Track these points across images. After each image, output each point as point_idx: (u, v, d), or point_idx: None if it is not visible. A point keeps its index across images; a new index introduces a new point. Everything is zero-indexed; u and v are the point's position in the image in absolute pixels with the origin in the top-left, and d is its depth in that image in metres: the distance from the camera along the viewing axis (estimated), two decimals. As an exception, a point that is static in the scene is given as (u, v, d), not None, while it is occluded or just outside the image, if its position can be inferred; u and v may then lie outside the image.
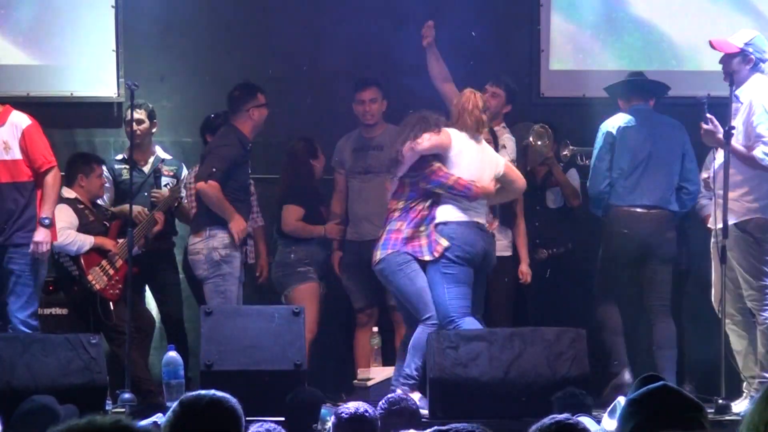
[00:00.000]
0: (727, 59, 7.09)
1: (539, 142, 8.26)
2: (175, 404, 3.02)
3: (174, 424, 2.95)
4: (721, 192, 7.01)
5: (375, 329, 8.04)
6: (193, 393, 3.05)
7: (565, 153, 8.26)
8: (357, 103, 8.32)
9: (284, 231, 8.26)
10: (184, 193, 8.35)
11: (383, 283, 7.32)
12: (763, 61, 7.12)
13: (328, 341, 8.40)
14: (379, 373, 7.64)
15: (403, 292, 7.11)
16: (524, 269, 8.21)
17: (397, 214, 7.18)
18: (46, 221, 7.27)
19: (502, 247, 8.14)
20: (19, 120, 7.33)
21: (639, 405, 2.47)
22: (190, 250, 7.88)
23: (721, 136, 6.96)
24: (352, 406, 5.20)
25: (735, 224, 7.11)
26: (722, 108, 7.17)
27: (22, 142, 7.28)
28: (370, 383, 7.59)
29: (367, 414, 5.16)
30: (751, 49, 7.06)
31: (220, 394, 3.05)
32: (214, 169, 7.70)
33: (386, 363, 7.78)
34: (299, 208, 8.27)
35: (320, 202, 8.45)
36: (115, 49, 9.02)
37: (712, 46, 7.22)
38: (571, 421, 3.25)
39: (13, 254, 7.22)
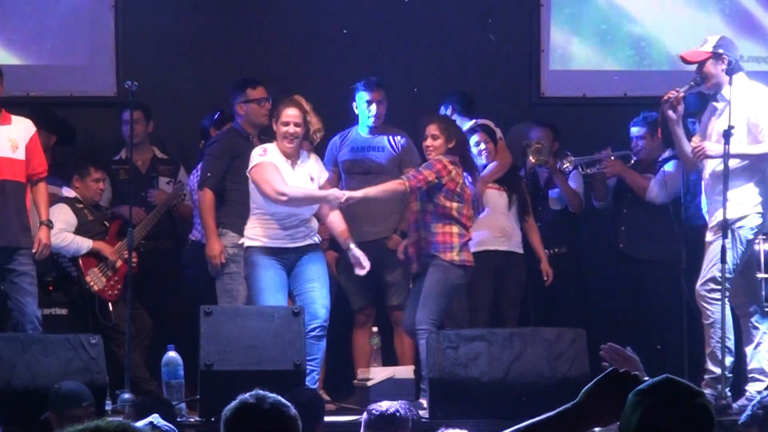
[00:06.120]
0: (702, 65, 7.09)
1: (538, 158, 8.26)
2: (236, 401, 2.99)
3: (233, 419, 2.94)
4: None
5: (375, 329, 8.00)
6: (258, 392, 3.01)
7: (566, 165, 8.21)
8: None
9: None
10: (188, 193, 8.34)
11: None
12: (737, 61, 7.12)
13: (327, 341, 8.36)
14: (379, 374, 7.62)
15: None
16: (545, 267, 8.20)
17: None
18: (51, 224, 7.35)
19: (516, 244, 8.15)
20: (28, 123, 7.35)
21: (644, 394, 2.60)
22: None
23: (706, 147, 6.97)
24: (384, 405, 5.27)
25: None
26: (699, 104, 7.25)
27: (30, 144, 7.29)
28: (370, 383, 7.55)
29: (398, 413, 5.20)
30: (721, 50, 7.07)
31: (284, 400, 3.02)
32: (208, 174, 7.68)
33: (386, 363, 7.77)
34: None
35: None
36: (115, 49, 9.02)
37: (684, 60, 7.22)
38: None
39: (20, 255, 7.23)
